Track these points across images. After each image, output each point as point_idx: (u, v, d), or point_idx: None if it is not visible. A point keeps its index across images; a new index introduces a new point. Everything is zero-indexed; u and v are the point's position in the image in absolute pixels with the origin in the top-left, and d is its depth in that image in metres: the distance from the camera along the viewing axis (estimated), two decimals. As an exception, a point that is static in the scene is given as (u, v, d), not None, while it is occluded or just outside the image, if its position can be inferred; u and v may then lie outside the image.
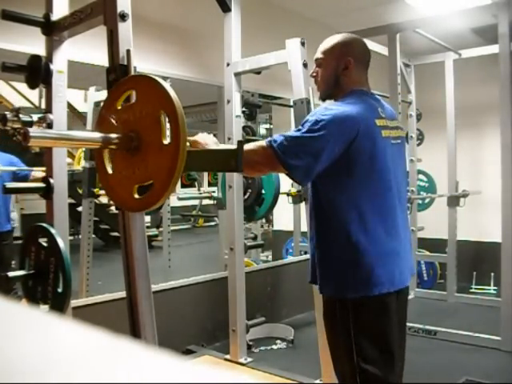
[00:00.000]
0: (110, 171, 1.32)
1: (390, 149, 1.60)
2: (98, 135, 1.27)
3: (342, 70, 1.66)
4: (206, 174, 10.33)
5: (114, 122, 1.29)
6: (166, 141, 1.18)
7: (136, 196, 1.24)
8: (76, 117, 5.01)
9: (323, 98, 1.74)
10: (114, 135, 1.26)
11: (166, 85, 1.20)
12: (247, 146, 1.51)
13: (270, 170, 1.65)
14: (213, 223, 8.56)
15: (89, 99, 3.99)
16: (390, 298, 1.54)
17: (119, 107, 1.30)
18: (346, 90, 1.66)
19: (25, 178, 3.52)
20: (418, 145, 5.08)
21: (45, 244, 1.57)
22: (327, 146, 1.47)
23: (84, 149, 3.99)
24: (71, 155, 4.69)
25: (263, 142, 1.53)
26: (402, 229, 1.62)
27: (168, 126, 1.19)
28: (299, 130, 1.51)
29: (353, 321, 1.51)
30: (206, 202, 9.59)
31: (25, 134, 1.14)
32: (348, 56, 1.65)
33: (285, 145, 1.48)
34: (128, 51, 1.47)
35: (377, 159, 1.54)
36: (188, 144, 1.65)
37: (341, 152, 1.49)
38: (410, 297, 5.31)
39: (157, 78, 1.22)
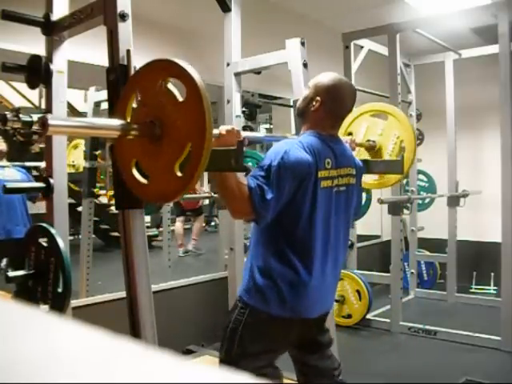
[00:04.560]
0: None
1: (330, 198, 1.67)
2: (118, 122, 1.23)
3: (310, 107, 1.74)
4: (205, 174, 10.29)
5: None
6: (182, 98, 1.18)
7: (179, 174, 1.20)
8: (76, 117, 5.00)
9: (297, 115, 1.87)
10: (134, 125, 1.24)
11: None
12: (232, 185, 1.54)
13: (243, 214, 1.67)
14: (212, 223, 8.55)
15: (89, 99, 3.98)
16: (287, 323, 1.67)
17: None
18: (306, 125, 1.76)
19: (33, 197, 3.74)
20: (418, 145, 5.06)
21: (45, 244, 1.57)
22: (282, 183, 1.55)
23: (84, 149, 3.99)
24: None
25: (246, 189, 1.54)
26: (328, 271, 1.71)
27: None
28: (262, 171, 1.56)
29: (243, 324, 1.64)
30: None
31: (43, 123, 1.05)
32: (319, 96, 1.72)
33: (256, 187, 1.53)
34: (128, 51, 1.47)
35: (310, 208, 1.61)
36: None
37: (291, 192, 1.57)
38: (410, 297, 5.30)
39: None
